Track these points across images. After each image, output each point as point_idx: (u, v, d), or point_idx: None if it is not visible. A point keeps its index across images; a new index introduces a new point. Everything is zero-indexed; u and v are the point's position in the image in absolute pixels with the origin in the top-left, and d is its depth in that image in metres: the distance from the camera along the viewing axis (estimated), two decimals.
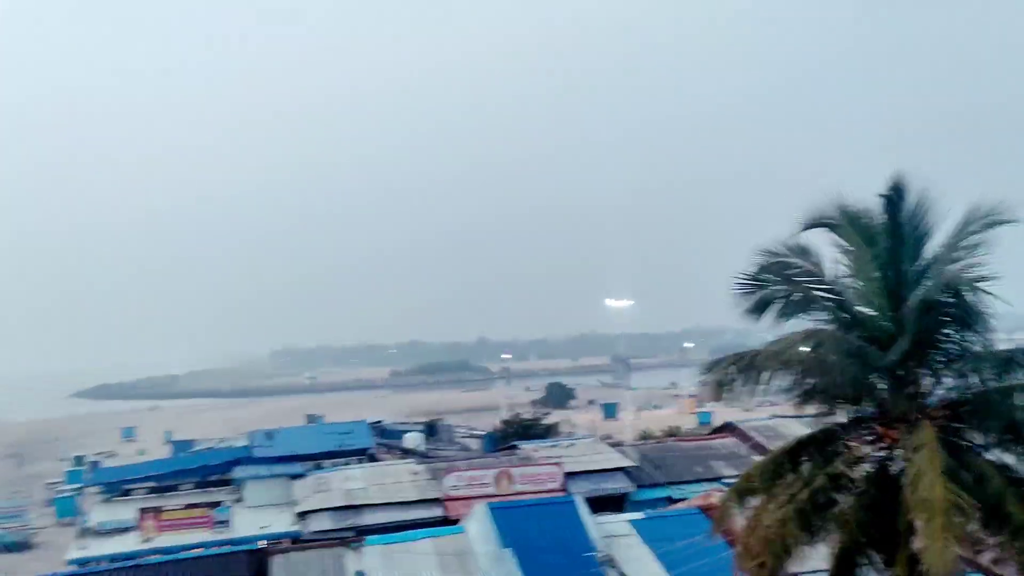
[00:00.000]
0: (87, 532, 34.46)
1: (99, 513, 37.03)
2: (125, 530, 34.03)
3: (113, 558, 29.71)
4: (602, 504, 31.06)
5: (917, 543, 10.90)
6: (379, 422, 67.03)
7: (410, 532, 25.59)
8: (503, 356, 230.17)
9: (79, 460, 72.54)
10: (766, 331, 13.93)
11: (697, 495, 31.18)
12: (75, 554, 31.95)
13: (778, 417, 41.48)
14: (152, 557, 26.45)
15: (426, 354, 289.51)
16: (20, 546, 43.88)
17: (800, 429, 16.21)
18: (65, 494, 53.39)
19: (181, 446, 75.41)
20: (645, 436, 58.38)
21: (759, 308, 13.39)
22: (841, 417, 12.98)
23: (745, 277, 13.39)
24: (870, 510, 12.06)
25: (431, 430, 65.36)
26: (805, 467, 12.72)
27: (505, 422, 65.24)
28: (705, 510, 24.41)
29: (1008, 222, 12.06)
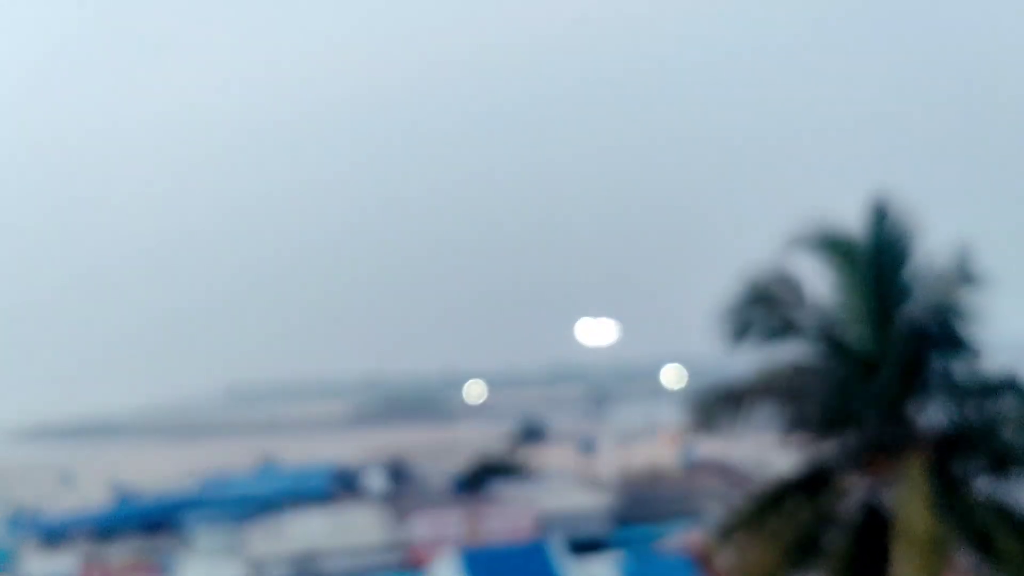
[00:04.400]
0: None
1: (36, 563, 36.28)
2: None
3: None
4: (581, 546, 31.01)
5: (895, 572, 11.04)
6: (339, 464, 66.51)
7: None
8: (470, 388, 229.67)
9: (13, 510, 70.87)
10: (749, 358, 14.11)
11: (680, 534, 31.27)
12: None
13: (763, 450, 41.83)
14: None
15: (388, 387, 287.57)
16: None
17: (786, 461, 16.38)
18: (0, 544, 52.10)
19: (126, 493, 74.09)
20: (624, 472, 58.43)
21: (741, 333, 13.57)
22: (828, 448, 13.14)
23: (726, 302, 13.58)
24: (858, 544, 12.20)
25: (395, 471, 64.92)
26: (790, 503, 12.84)
27: (473, 461, 64.99)
28: (689, 550, 24.48)
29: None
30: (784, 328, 13.44)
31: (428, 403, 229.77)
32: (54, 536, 42.64)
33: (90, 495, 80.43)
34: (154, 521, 43.62)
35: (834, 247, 13.35)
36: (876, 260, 13.03)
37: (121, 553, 36.11)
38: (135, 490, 73.75)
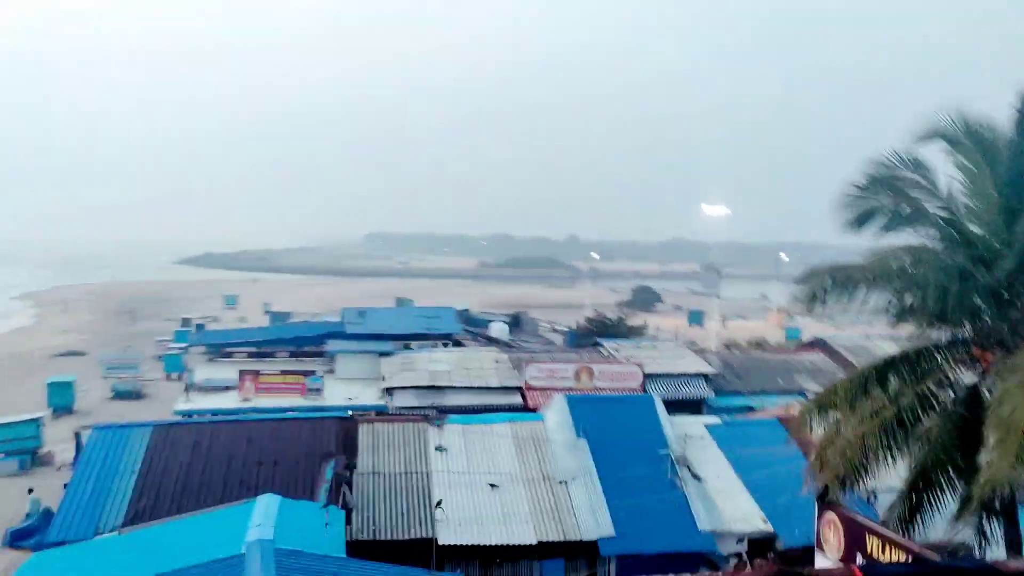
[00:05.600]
0: (192, 387, 36.91)
1: (203, 371, 39.54)
2: (226, 388, 36.32)
3: (215, 412, 31.84)
4: (680, 407, 31.40)
5: (985, 456, 10.73)
6: (466, 310, 68.65)
7: (489, 415, 26.47)
8: (592, 255, 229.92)
9: (186, 322, 76.91)
10: (866, 247, 13.54)
11: (777, 407, 31.16)
12: (181, 406, 34.37)
13: (871, 337, 40.62)
14: (250, 415, 28.15)
15: (515, 248, 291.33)
16: (133, 395, 47.30)
17: (891, 347, 15.88)
18: (173, 352, 56.93)
19: (278, 317, 79.03)
20: (729, 345, 58.10)
21: (862, 220, 13.00)
22: (938, 337, 12.67)
23: (852, 187, 12.97)
24: (956, 432, 11.90)
25: (516, 322, 66.58)
26: (893, 384, 12.54)
27: (589, 320, 65.82)
28: (784, 421, 24.41)
29: None
30: (908, 215, 12.78)
31: (552, 265, 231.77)
32: (218, 349, 46.02)
33: (249, 317, 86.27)
34: (303, 344, 46.37)
35: (973, 137, 12.45)
36: (1016, 154, 12.09)
37: (273, 369, 38.79)
38: (287, 316, 78.69)
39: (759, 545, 20.73)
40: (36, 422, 35.27)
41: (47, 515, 24.66)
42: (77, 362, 58.78)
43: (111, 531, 18.86)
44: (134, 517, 19.58)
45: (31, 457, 33.66)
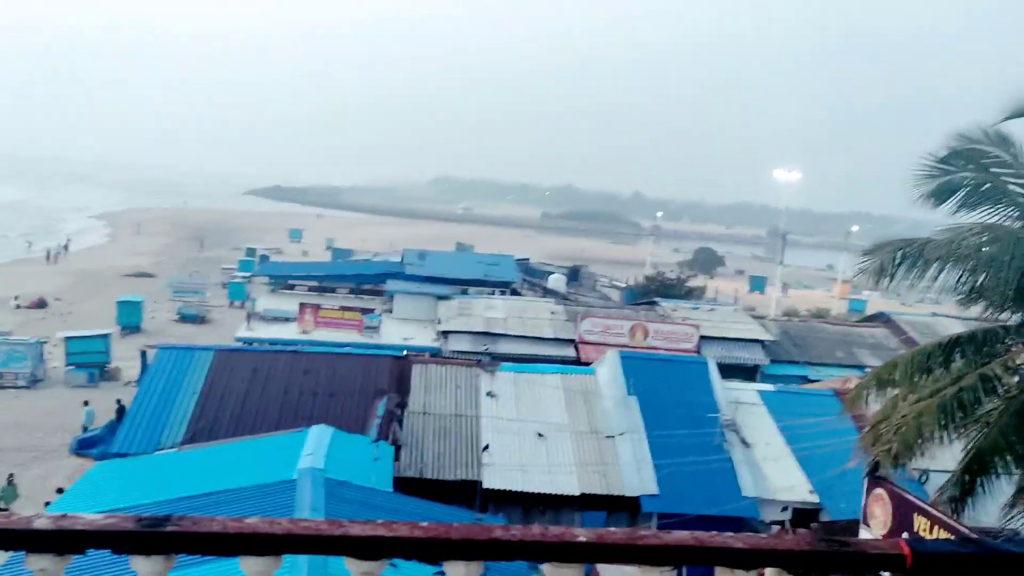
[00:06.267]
0: (254, 316, 37.91)
1: (265, 301, 40.55)
2: (286, 320, 37.20)
3: (274, 342, 32.68)
4: (734, 372, 31.16)
5: None
6: (525, 259, 68.73)
7: (541, 365, 26.65)
8: (656, 214, 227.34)
9: (251, 252, 78.68)
10: (941, 222, 13.09)
11: (834, 379, 30.69)
12: (243, 333, 35.35)
13: (938, 315, 39.55)
14: (307, 347, 28.85)
15: (579, 200, 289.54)
16: (197, 319, 48.83)
17: (957, 327, 15.47)
18: (237, 280, 58.45)
19: (340, 253, 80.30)
20: (790, 314, 57.20)
21: (940, 194, 12.55)
22: (1008, 320, 12.28)
23: (931, 159, 12.51)
24: (1017, 418, 11.58)
25: (574, 275, 66.47)
26: (956, 364, 12.23)
27: (648, 278, 65.42)
28: (839, 394, 24.07)
29: None
30: (988, 192, 12.30)
31: (615, 220, 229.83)
32: (281, 281, 47.02)
33: (312, 252, 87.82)
34: (363, 282, 47.04)
35: None
36: None
37: (332, 304, 39.50)
38: (349, 253, 79.89)
39: (804, 515, 20.65)
40: (105, 338, 36.73)
41: (111, 427, 25.78)
42: (146, 283, 60.76)
43: (170, 447, 19.67)
44: (193, 436, 20.38)
45: (100, 371, 35.11)
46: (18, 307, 49.46)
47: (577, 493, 20.32)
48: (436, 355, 32.36)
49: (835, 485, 19.82)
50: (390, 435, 20.20)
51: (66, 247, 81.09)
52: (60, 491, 20.55)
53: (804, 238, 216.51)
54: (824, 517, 20.29)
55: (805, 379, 34.32)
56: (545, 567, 2.64)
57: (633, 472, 20.94)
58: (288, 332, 35.53)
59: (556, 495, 20.29)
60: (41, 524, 2.39)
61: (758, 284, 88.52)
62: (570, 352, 35.25)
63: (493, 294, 44.03)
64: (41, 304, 50.48)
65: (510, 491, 20.17)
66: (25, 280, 59.68)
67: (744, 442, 22.43)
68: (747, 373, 34.35)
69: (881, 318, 42.62)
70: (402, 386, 23.26)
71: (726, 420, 22.55)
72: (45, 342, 36.14)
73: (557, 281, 56.85)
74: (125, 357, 36.62)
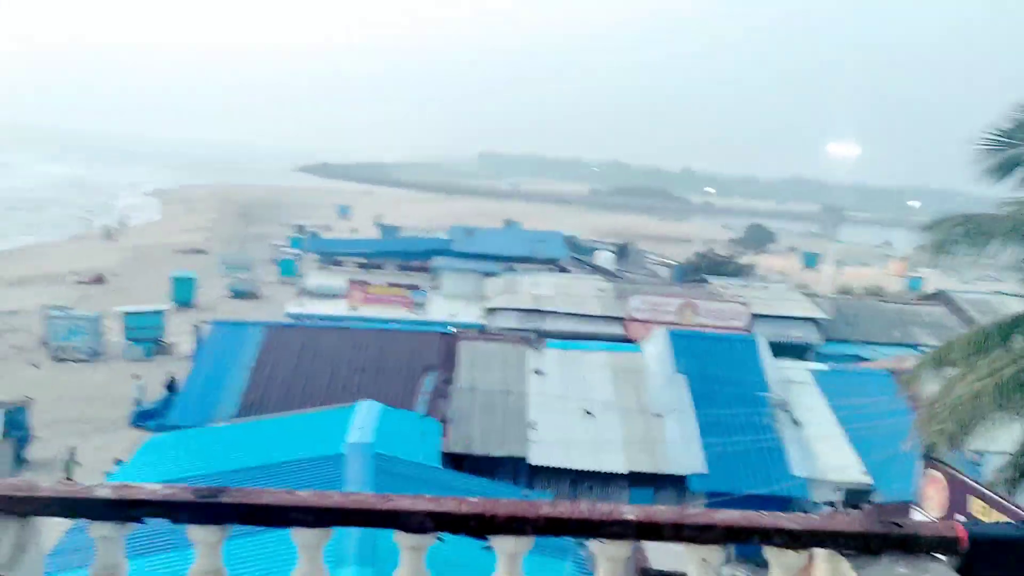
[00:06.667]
0: (303, 292, 38.50)
1: (314, 277, 41.11)
2: (334, 296, 37.69)
3: (323, 318, 33.17)
4: (785, 351, 30.77)
5: None
6: (573, 236, 68.53)
7: (589, 343, 26.59)
8: (706, 190, 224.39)
9: (300, 228, 79.67)
10: (1003, 197, 12.70)
11: (889, 358, 30.13)
12: (292, 309, 35.93)
13: (999, 293, 38.50)
14: (356, 323, 29.20)
15: (628, 176, 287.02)
16: (248, 295, 49.70)
17: (1020, 309, 15.03)
18: (287, 256, 59.25)
19: (388, 230, 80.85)
20: (844, 291, 56.17)
21: (1003, 169, 12.19)
22: None
23: (993, 132, 12.13)
24: None
25: (622, 252, 66.15)
26: (1017, 344, 11.93)
27: (698, 255, 64.73)
28: (895, 374, 23.63)
29: None
30: None
31: (664, 196, 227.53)
32: (329, 257, 47.57)
33: (360, 228, 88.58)
34: (410, 259, 47.39)
35: None
36: None
37: (380, 280, 39.87)
38: (397, 230, 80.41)
39: (855, 496, 20.39)
40: (160, 313, 37.63)
41: (167, 401, 26.50)
42: (198, 259, 61.95)
43: (223, 420, 20.14)
44: (244, 409, 20.83)
45: (155, 345, 36.01)
46: (78, 282, 50.87)
47: (624, 471, 20.33)
48: (483, 332, 32.53)
49: (888, 466, 19.53)
50: (437, 411, 20.40)
51: (124, 223, 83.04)
52: (118, 462, 21.22)
53: (859, 213, 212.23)
54: (876, 499, 20.00)
55: (859, 358, 33.75)
56: (592, 543, 2.65)
57: (681, 450, 20.87)
58: (337, 308, 35.99)
59: (603, 472, 20.32)
60: (103, 493, 2.48)
61: (811, 260, 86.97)
62: (618, 330, 35.13)
63: (540, 271, 44.03)
64: (99, 280, 51.86)
65: (556, 468, 20.27)
66: (84, 256, 61.35)
67: (795, 421, 22.18)
68: (799, 352, 33.90)
69: (939, 296, 41.66)
70: (449, 362, 23.43)
71: (776, 399, 22.31)
72: (104, 316, 37.16)
73: (605, 258, 56.63)
74: (179, 332, 37.49)
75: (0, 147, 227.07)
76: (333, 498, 2.54)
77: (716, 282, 42.28)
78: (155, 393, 28.88)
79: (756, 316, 35.90)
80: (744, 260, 64.79)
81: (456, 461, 18.73)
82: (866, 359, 33.16)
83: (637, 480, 20.49)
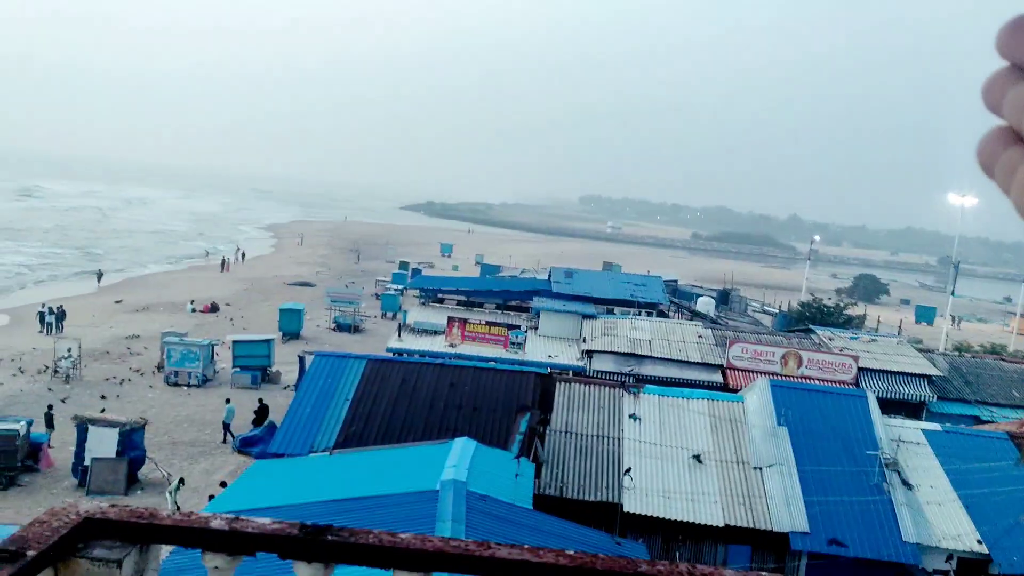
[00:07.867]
0: (404, 328, 39.19)
1: (416, 314, 41.83)
2: (434, 332, 38.24)
3: (422, 354, 33.67)
4: (897, 408, 29.47)
5: None
6: (674, 281, 67.73)
7: (687, 389, 26.10)
8: (813, 238, 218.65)
9: (404, 265, 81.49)
10: None
11: (1009, 421, 28.42)
12: (393, 344, 36.64)
13: None
14: (454, 360, 29.51)
15: (731, 222, 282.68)
16: (352, 328, 51.00)
17: None
18: (390, 292, 60.62)
19: (489, 269, 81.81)
20: (961, 348, 53.44)
21: None
22: None
23: None
24: None
25: (724, 298, 64.89)
26: None
27: (803, 304, 62.88)
28: (1015, 438, 22.26)
29: None
30: None
31: (769, 244, 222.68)
32: (431, 294, 48.38)
33: (462, 267, 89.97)
34: (510, 299, 47.74)
35: None
36: None
37: (479, 319, 40.25)
38: (498, 269, 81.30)
39: (969, 567, 19.19)
40: (269, 343, 38.97)
41: (271, 428, 27.36)
42: (306, 292, 64.08)
43: (323, 450, 20.61)
44: (344, 441, 21.26)
45: (262, 374, 37.27)
46: (193, 311, 53.31)
47: (721, 524, 19.74)
48: (580, 374, 32.36)
49: (1007, 536, 18.33)
50: (531, 452, 20.33)
51: (243, 255, 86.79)
52: (223, 484, 21.96)
53: (979, 267, 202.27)
54: (994, 571, 18.77)
55: (977, 419, 31.97)
56: None
57: (782, 506, 20.13)
58: (436, 344, 36.49)
59: (698, 524, 19.78)
60: (217, 525, 2.57)
61: (926, 315, 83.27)
62: (717, 377, 34.39)
63: (639, 315, 43.60)
64: (214, 308, 54.22)
65: (650, 517, 19.85)
66: (202, 285, 64.35)
67: (906, 483, 21.11)
68: (911, 410, 32.39)
69: None
70: (545, 403, 23.39)
71: (886, 458, 21.31)
72: (217, 344, 38.75)
73: (706, 304, 55.63)
74: (285, 361, 38.72)
75: (139, 184, 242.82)
76: (434, 543, 2.57)
77: (822, 332, 40.91)
78: (245, 417, 29.92)
79: (865, 370, 34.53)
80: (853, 311, 62.47)
81: (548, 504, 18.57)
82: (984, 421, 31.38)
83: (734, 535, 19.85)
